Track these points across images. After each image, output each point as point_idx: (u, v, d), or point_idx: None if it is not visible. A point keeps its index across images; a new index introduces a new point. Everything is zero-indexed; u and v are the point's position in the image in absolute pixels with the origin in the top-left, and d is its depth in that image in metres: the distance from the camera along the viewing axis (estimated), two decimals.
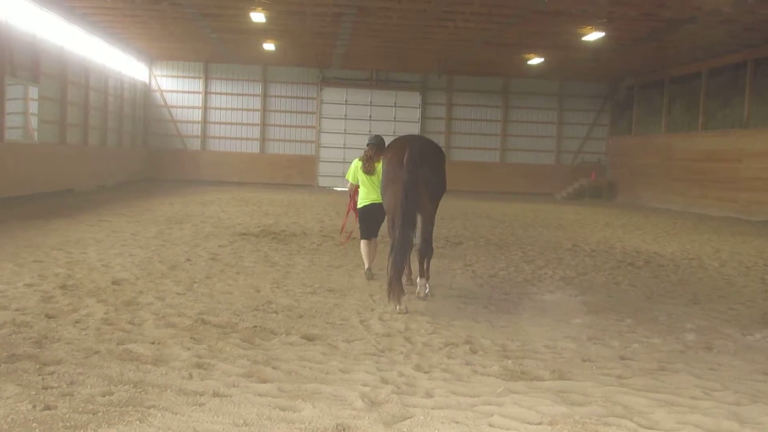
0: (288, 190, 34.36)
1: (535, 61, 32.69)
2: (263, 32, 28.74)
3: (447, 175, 9.71)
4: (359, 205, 11.04)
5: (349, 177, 11.17)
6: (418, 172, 8.89)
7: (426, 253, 9.53)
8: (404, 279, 9.34)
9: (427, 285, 9.66)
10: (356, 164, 11.02)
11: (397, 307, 8.60)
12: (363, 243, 11.12)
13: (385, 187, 9.48)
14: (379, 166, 10.27)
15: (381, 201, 10.13)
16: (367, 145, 11.01)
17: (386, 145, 10.42)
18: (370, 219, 10.93)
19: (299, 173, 39.32)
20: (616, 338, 7.74)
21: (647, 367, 6.63)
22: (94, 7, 25.67)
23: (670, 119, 33.85)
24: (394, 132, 35.85)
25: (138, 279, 9.92)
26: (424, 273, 9.57)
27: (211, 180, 37.81)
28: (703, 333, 8.16)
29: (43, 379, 5.49)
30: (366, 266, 11.03)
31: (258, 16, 24.75)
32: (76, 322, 7.33)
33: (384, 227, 10.58)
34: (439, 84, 39.75)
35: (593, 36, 25.89)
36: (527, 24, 25.21)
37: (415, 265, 10.13)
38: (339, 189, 36.18)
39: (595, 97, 40.45)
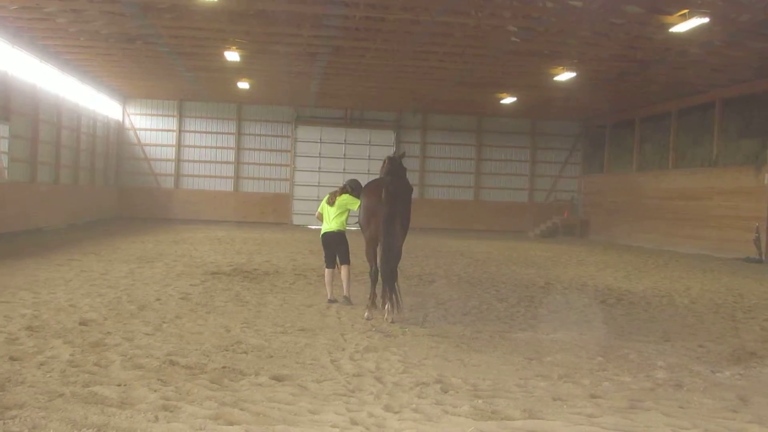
0: (262, 228, 34.24)
1: (508, 100, 33.07)
2: (238, 71, 28.87)
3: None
4: (321, 234, 12.48)
5: (319, 208, 12.56)
6: (395, 208, 10.54)
7: (392, 278, 10.74)
8: (370, 303, 11.03)
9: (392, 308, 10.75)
10: (325, 198, 12.43)
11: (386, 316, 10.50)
12: (326, 272, 12.39)
13: (367, 219, 11.00)
14: (339, 200, 12.01)
15: (333, 230, 12.00)
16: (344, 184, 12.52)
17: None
18: (325, 246, 12.30)
19: (273, 211, 39.24)
20: (587, 376, 7.74)
21: (617, 406, 6.62)
22: (68, 46, 25.68)
23: (642, 158, 34.29)
24: (368, 170, 35.98)
25: (106, 319, 9.79)
26: (390, 297, 10.64)
27: (185, 218, 37.61)
28: (673, 370, 8.18)
29: (4, 423, 5.36)
30: (328, 296, 12.26)
31: (232, 56, 24.85)
32: (41, 365, 7.20)
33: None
34: (413, 122, 40.09)
35: (565, 76, 26.26)
36: (499, 64, 25.56)
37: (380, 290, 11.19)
38: (313, 227, 36.11)
39: (568, 136, 40.92)
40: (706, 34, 20.15)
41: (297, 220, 39.16)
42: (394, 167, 11.45)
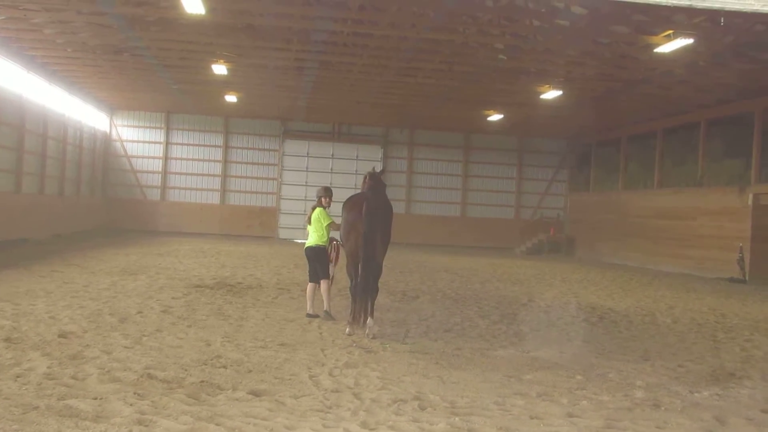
0: (248, 242, 34.15)
1: (495, 117, 33.18)
2: (225, 84, 28.85)
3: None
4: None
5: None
6: (375, 223, 10.65)
7: (373, 293, 10.97)
8: (351, 318, 11.06)
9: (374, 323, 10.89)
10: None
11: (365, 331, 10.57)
12: (308, 286, 12.53)
13: (347, 233, 11.13)
14: (313, 215, 12.20)
15: (312, 245, 12.16)
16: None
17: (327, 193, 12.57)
18: (307, 260, 12.42)
19: (260, 225, 39.13)
20: (566, 395, 7.74)
21: (594, 425, 6.63)
22: (55, 57, 25.63)
23: (627, 177, 34.45)
24: (355, 185, 35.90)
25: (86, 332, 9.73)
26: (371, 312, 10.82)
27: (171, 231, 37.42)
28: (651, 390, 8.20)
29: None
30: (307, 309, 12.36)
31: (220, 69, 24.84)
32: (18, 377, 7.16)
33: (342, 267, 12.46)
34: (400, 138, 40.14)
35: (551, 94, 26.39)
36: (487, 81, 25.67)
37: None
38: (299, 241, 36.02)
39: (554, 154, 41.09)
40: (691, 55, 20.34)
41: (283, 233, 39.06)
42: (375, 183, 11.50)
